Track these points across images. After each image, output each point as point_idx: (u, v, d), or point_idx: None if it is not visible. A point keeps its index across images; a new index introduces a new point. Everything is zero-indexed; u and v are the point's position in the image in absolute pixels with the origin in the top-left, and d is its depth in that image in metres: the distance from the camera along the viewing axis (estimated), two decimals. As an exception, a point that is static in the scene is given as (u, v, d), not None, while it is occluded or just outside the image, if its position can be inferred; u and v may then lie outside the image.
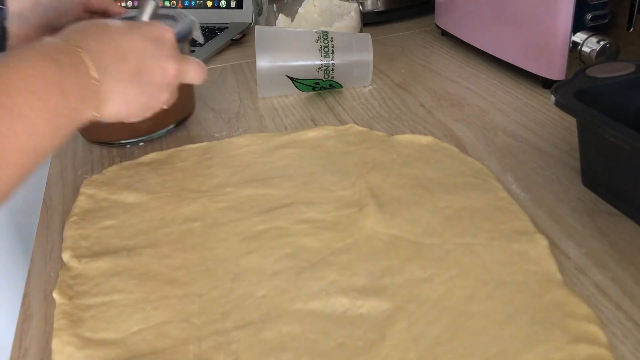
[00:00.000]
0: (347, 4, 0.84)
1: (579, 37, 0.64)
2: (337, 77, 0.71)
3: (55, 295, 0.40)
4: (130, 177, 0.55)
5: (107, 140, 0.63)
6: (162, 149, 0.60)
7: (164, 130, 0.64)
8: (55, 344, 0.36)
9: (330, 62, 0.69)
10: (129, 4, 1.10)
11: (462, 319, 0.36)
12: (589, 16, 0.63)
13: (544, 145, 0.56)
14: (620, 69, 0.49)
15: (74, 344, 0.36)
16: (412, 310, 0.37)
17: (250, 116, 0.68)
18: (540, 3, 0.65)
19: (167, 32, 0.48)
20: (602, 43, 0.62)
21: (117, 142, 0.62)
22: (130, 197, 0.51)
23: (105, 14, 0.59)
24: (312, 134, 0.60)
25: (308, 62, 0.69)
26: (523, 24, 0.68)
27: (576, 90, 0.46)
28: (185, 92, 0.63)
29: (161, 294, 0.40)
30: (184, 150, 0.59)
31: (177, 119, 0.65)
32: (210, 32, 0.97)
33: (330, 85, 0.72)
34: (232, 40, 0.94)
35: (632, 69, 0.49)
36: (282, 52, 0.69)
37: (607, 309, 0.37)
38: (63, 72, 0.37)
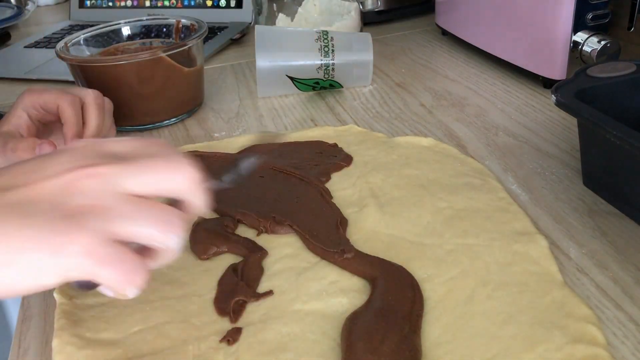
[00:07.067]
0: (347, 3, 0.84)
1: (579, 36, 0.63)
2: (337, 77, 0.71)
3: (55, 294, 0.40)
4: (130, 176, 0.54)
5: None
6: (162, 149, 0.60)
7: (175, 119, 0.68)
8: (56, 343, 0.36)
9: (330, 61, 0.69)
10: (129, 3, 1.10)
11: (462, 319, 0.36)
12: (589, 16, 0.63)
13: (544, 145, 0.56)
14: (621, 69, 0.49)
15: (75, 344, 0.36)
16: (412, 311, 0.37)
17: (250, 116, 0.68)
18: (541, 3, 0.65)
19: None
20: (603, 43, 0.62)
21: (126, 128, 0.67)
22: (130, 197, 0.51)
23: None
24: (312, 134, 0.60)
25: (308, 61, 0.69)
26: (524, 23, 0.68)
27: (577, 90, 0.46)
28: (196, 82, 0.69)
29: (161, 294, 0.40)
30: (183, 150, 0.59)
31: (188, 109, 0.69)
32: (209, 31, 0.97)
33: (331, 85, 0.71)
34: (231, 39, 0.94)
35: (633, 68, 0.49)
36: (282, 52, 0.69)
37: (608, 309, 0.37)
38: None
